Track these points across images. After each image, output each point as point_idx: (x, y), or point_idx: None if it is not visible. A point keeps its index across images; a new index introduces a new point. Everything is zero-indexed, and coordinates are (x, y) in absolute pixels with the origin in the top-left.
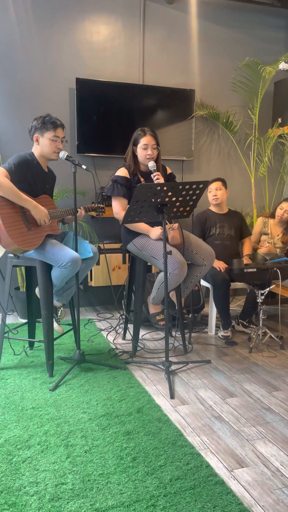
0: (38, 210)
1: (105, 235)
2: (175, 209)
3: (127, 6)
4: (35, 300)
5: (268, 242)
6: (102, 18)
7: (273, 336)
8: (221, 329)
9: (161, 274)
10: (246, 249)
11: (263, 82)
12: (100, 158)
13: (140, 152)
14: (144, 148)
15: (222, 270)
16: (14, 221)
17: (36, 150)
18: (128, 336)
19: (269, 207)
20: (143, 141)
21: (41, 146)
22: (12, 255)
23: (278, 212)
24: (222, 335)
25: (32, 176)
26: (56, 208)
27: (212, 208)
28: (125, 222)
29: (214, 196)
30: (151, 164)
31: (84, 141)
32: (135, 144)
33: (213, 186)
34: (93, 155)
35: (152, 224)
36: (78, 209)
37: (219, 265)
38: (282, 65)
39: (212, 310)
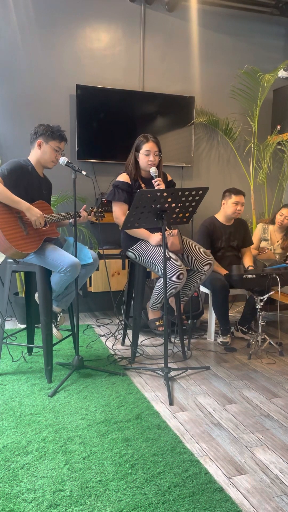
0: (32, 211)
1: (104, 240)
2: (174, 215)
3: (127, 13)
4: (34, 306)
5: (268, 248)
6: (102, 25)
7: (272, 342)
8: (220, 335)
9: (160, 280)
10: (248, 260)
11: (262, 89)
12: (100, 164)
13: (142, 158)
14: (146, 154)
15: (222, 274)
16: (11, 226)
17: (35, 155)
18: (127, 342)
19: (268, 213)
20: (146, 147)
21: (42, 152)
22: (11, 260)
23: (278, 218)
24: (221, 341)
25: (27, 182)
26: (54, 213)
27: (220, 218)
28: (124, 227)
29: (238, 211)
30: (153, 170)
31: (84, 147)
32: (137, 150)
33: (239, 200)
34: (93, 161)
35: (152, 230)
36: (80, 212)
37: (219, 269)
38: (281, 73)
39: (211, 316)
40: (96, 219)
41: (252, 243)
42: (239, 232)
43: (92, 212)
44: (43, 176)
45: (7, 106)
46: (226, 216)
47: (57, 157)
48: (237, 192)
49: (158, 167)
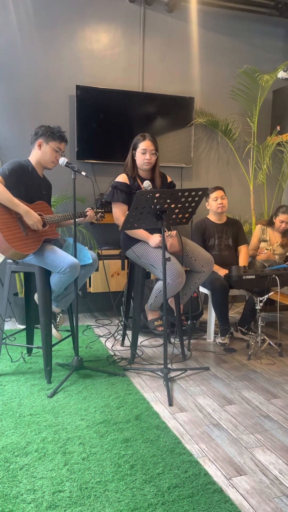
0: (30, 215)
1: (104, 241)
2: (174, 216)
3: (127, 14)
4: (34, 306)
5: (267, 249)
6: (102, 26)
7: (271, 343)
8: (219, 335)
9: (159, 283)
10: (243, 259)
11: (262, 90)
12: (100, 164)
13: (139, 157)
14: (142, 152)
15: (222, 275)
16: (10, 226)
17: (35, 156)
18: (127, 342)
19: (267, 214)
20: (142, 145)
21: (42, 153)
22: (11, 260)
23: (277, 224)
24: (219, 342)
25: (27, 182)
26: (54, 214)
27: (211, 217)
28: (124, 228)
29: (220, 205)
30: (147, 185)
31: (84, 148)
32: (134, 148)
33: (217, 195)
34: (92, 161)
35: (151, 231)
36: (86, 212)
37: (219, 270)
38: (281, 74)
39: (210, 317)
40: (96, 220)
41: (247, 242)
42: (232, 230)
43: (100, 213)
44: (43, 177)
45: (7, 106)
46: (215, 214)
47: (57, 157)
48: (213, 189)
49: (154, 166)
